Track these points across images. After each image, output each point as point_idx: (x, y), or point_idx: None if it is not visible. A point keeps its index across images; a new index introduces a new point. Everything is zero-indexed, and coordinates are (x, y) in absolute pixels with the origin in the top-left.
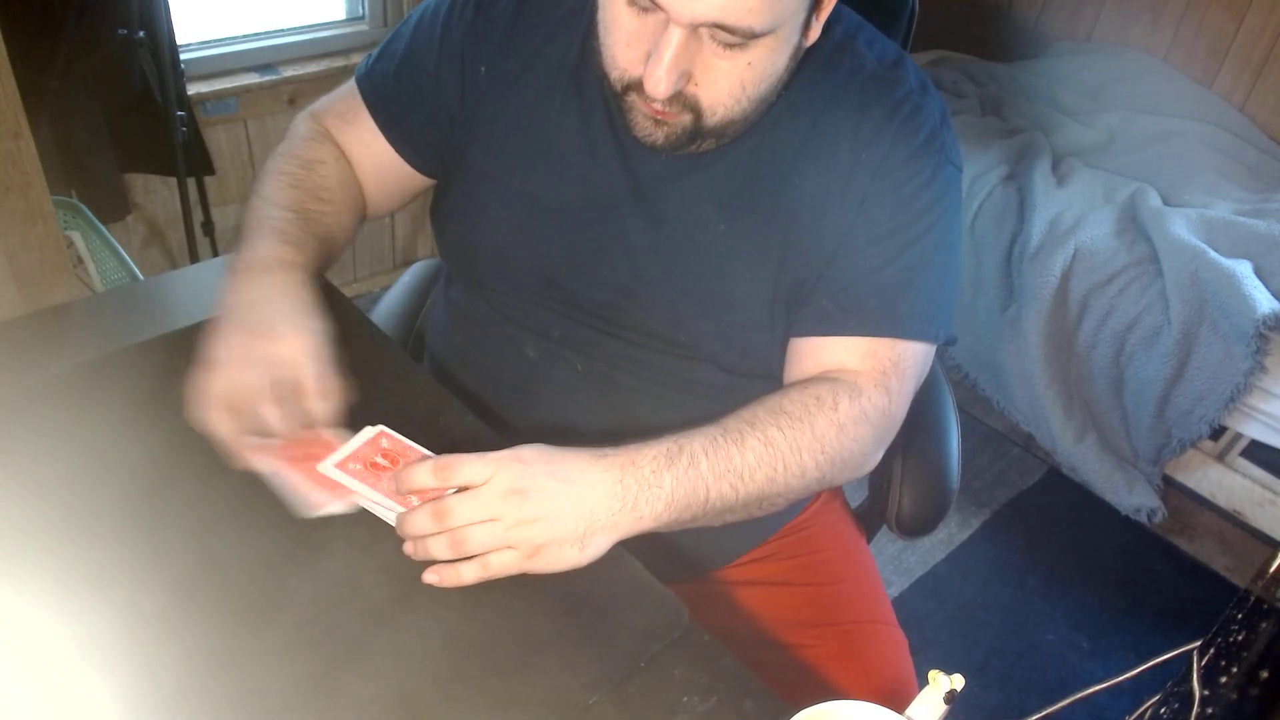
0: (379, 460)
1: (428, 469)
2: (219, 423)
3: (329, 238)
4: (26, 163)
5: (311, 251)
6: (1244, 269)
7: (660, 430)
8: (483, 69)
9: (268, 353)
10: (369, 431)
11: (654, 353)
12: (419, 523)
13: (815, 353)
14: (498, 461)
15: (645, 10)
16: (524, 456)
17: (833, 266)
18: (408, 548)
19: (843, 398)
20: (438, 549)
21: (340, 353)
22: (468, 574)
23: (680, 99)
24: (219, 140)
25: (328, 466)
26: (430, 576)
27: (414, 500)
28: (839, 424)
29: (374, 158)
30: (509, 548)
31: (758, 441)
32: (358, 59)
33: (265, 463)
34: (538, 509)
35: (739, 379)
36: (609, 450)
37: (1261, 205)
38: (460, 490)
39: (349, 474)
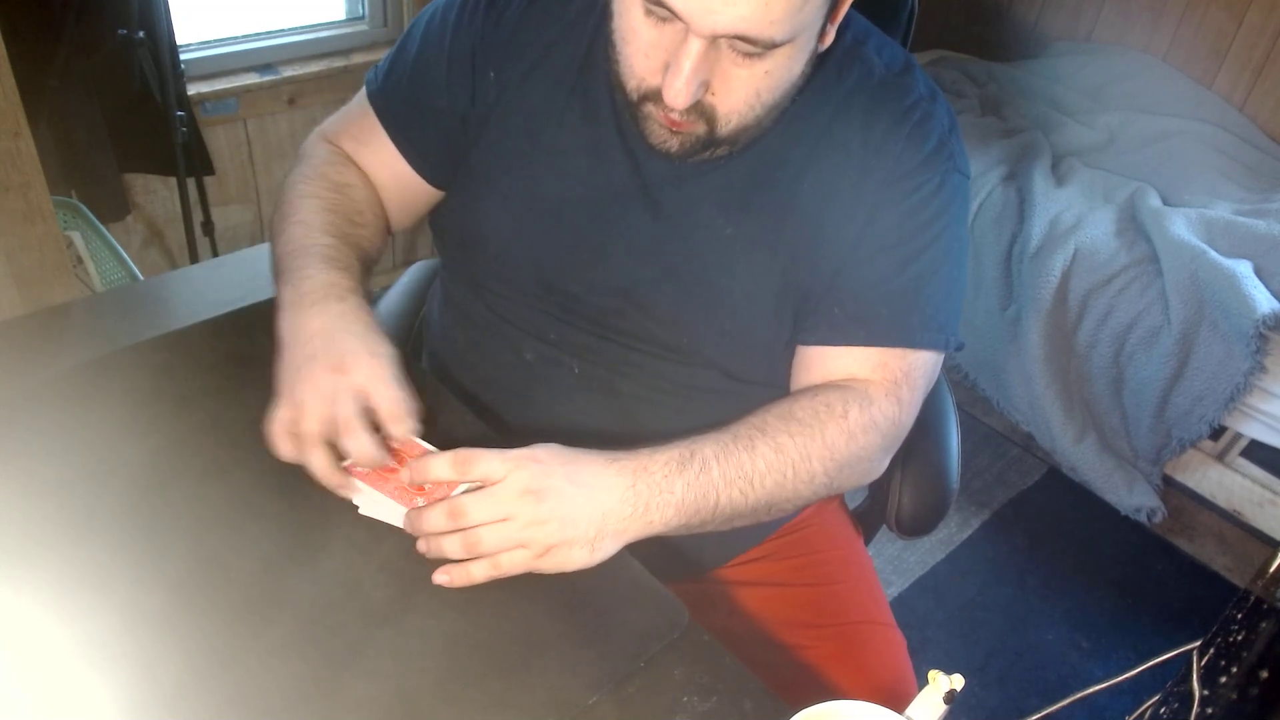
0: (386, 460)
1: (446, 461)
2: (319, 459)
3: (367, 260)
4: (26, 162)
5: (358, 275)
6: (1244, 269)
7: (658, 435)
8: (492, 74)
9: (348, 383)
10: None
11: (653, 358)
12: (432, 520)
13: (824, 362)
14: (515, 460)
15: (664, 20)
16: (540, 457)
17: (842, 275)
18: (421, 545)
19: (853, 406)
20: (451, 548)
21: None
22: (478, 573)
23: (697, 108)
24: (219, 140)
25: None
26: (441, 577)
27: (420, 501)
28: (849, 432)
29: (394, 176)
30: (520, 547)
31: (768, 448)
32: (358, 59)
33: (355, 488)
34: (552, 510)
35: (739, 384)
36: (621, 454)
37: (1261, 205)
38: (473, 488)
39: (356, 475)
